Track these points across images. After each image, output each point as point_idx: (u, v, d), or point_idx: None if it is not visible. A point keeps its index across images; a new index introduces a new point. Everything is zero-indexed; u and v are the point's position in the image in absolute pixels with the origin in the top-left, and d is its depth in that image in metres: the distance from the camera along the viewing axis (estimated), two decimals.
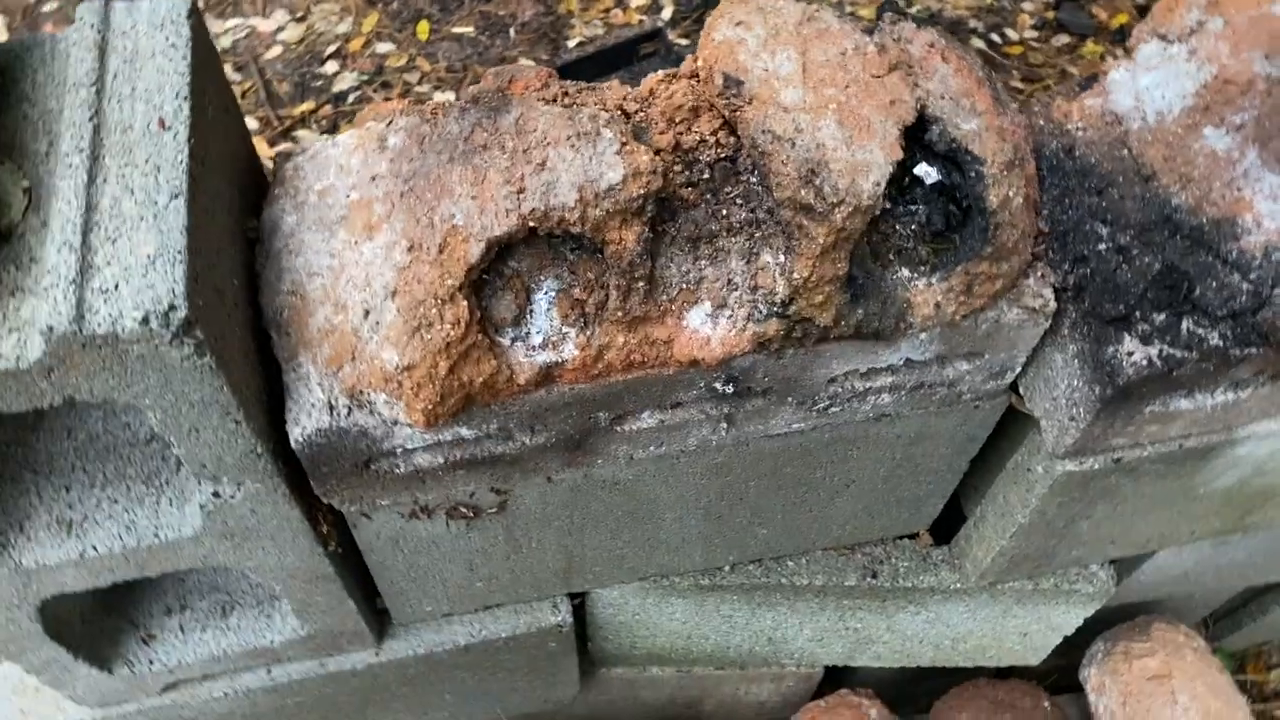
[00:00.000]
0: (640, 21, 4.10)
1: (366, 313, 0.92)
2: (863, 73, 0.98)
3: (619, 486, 1.20)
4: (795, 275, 0.96)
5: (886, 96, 0.97)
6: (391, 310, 0.91)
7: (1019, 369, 1.16)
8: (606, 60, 3.75)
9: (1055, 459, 1.19)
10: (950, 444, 1.29)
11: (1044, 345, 1.13)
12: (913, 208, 1.00)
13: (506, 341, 0.95)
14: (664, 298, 0.97)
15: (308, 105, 3.70)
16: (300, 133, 3.64)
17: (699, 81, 1.01)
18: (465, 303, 0.90)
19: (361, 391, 0.93)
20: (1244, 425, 1.19)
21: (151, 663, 1.30)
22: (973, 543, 1.45)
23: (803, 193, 0.92)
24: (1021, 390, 1.20)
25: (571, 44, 3.96)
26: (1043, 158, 1.09)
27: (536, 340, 0.96)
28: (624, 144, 0.91)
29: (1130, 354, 1.03)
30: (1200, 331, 1.01)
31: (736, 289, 0.98)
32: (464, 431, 1.01)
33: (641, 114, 1.03)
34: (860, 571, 1.51)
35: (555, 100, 1.01)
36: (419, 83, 3.79)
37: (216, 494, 1.00)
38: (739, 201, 1.00)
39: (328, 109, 3.70)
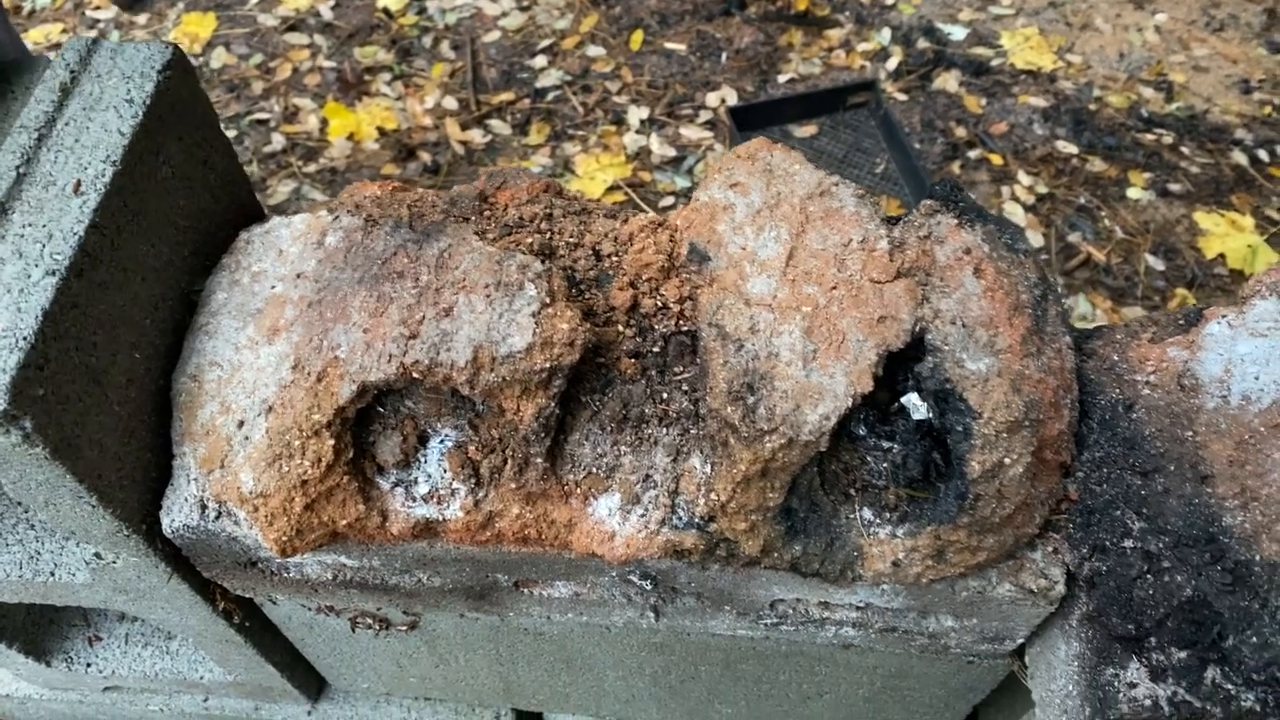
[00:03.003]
0: (862, 68, 3.90)
1: (241, 423, 0.84)
2: (861, 273, 0.81)
3: (545, 638, 1.08)
4: (715, 495, 0.81)
5: (878, 310, 0.79)
6: (261, 429, 0.83)
7: (1020, 641, 0.95)
8: (812, 103, 3.57)
9: None
10: (943, 687, 1.09)
11: (1051, 624, 0.92)
12: (888, 444, 0.83)
13: (386, 485, 0.86)
14: (570, 477, 0.85)
15: (508, 95, 3.74)
16: (493, 122, 3.68)
17: (677, 242, 0.87)
18: (331, 441, 0.81)
19: (226, 500, 0.86)
20: None
21: (89, 665, 1.31)
22: None
23: (729, 409, 0.77)
24: (1027, 660, 0.99)
25: (782, 79, 3.81)
26: (1095, 407, 0.87)
27: (422, 490, 0.86)
28: (545, 305, 0.79)
29: (1132, 685, 0.81)
30: (1230, 688, 0.78)
31: (654, 487, 0.84)
32: (345, 560, 0.93)
33: (615, 258, 0.90)
34: None
35: (519, 226, 0.90)
36: (618, 93, 3.75)
37: (98, 555, 0.96)
38: (684, 388, 0.85)
39: (525, 103, 3.73)
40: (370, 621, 1.08)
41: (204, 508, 0.88)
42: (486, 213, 0.93)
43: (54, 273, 0.78)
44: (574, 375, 0.83)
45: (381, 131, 3.71)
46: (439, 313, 0.80)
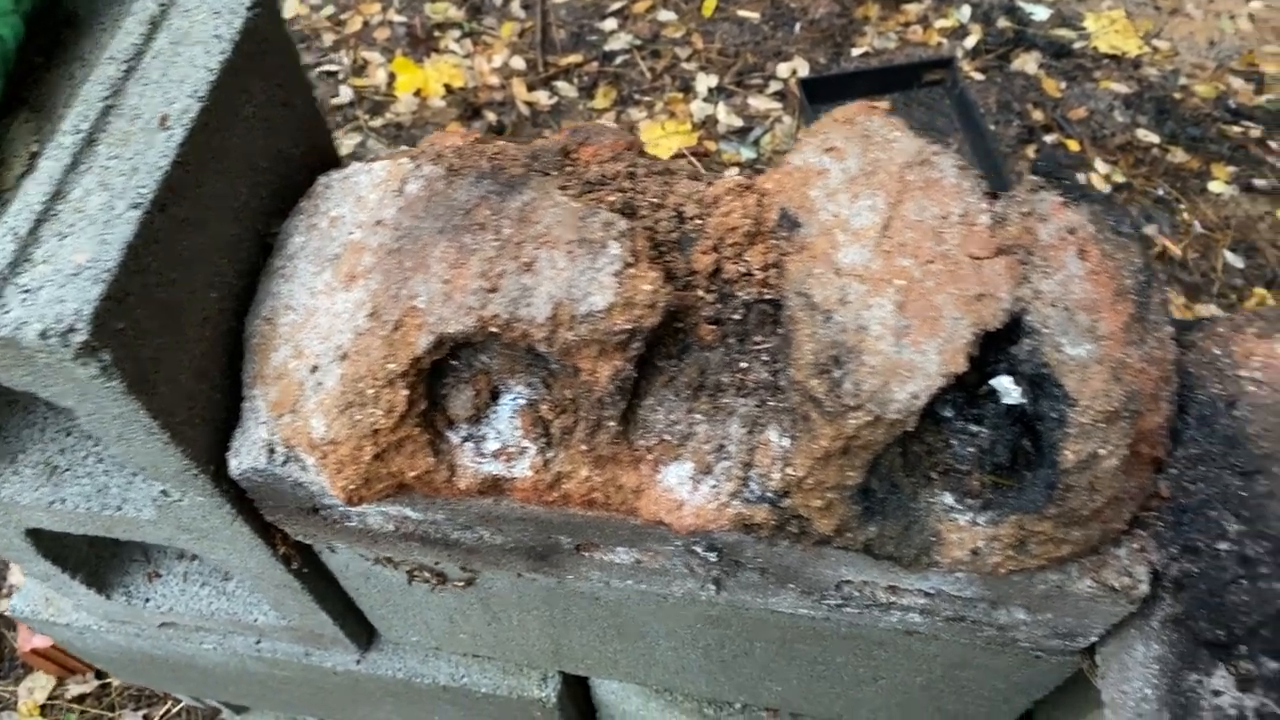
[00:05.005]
0: (939, 44, 3.80)
1: (314, 368, 0.84)
2: (960, 248, 0.78)
3: (600, 603, 1.07)
4: (791, 470, 0.78)
5: (976, 287, 0.76)
6: (335, 375, 0.82)
7: (1093, 639, 0.92)
8: (886, 78, 3.49)
9: None
10: (1005, 681, 1.06)
11: (1129, 624, 0.88)
12: (975, 428, 0.79)
13: (456, 439, 0.84)
14: (641, 443, 0.83)
15: (576, 57, 3.71)
16: (559, 84, 3.65)
17: (765, 206, 0.84)
18: (405, 392, 0.80)
19: (295, 446, 0.86)
20: None
21: (148, 600, 1.32)
22: None
23: (813, 382, 0.74)
24: (1098, 659, 0.96)
25: (856, 52, 3.73)
26: (1193, 402, 0.84)
27: (491, 446, 0.84)
28: (628, 265, 0.77)
29: (1216, 693, 0.78)
30: None
31: (728, 458, 0.82)
32: (409, 512, 0.92)
33: (699, 221, 0.87)
34: None
35: (601, 183, 0.88)
36: (687, 59, 3.70)
37: (165, 493, 0.96)
38: (765, 358, 0.83)
39: (593, 66, 3.69)
40: (427, 575, 1.07)
41: (272, 452, 0.88)
42: (568, 168, 0.91)
43: (138, 206, 0.78)
44: (652, 339, 0.81)
45: (448, 89, 3.70)
46: (520, 267, 0.78)
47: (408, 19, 3.84)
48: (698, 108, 3.56)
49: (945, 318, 0.75)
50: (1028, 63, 3.69)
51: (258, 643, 1.39)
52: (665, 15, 3.78)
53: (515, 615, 1.16)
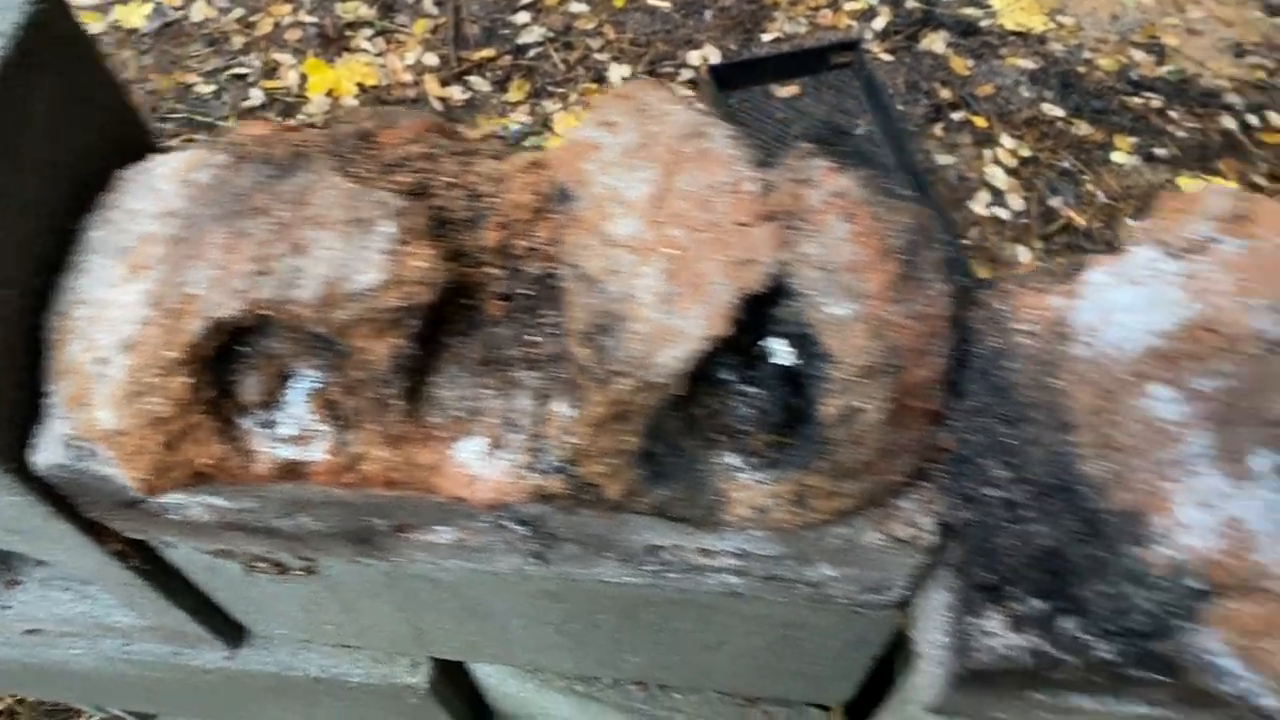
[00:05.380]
0: (849, 27, 3.83)
1: (103, 360, 0.84)
2: (728, 216, 0.80)
3: (440, 585, 1.08)
4: (573, 439, 0.80)
5: (741, 253, 0.78)
6: (121, 366, 0.82)
7: (900, 591, 0.95)
8: (795, 62, 3.51)
9: (925, 710, 0.97)
10: (837, 638, 1.09)
11: (929, 575, 0.91)
12: (753, 390, 0.81)
13: (249, 426, 0.85)
14: (432, 420, 0.84)
15: (489, 52, 3.70)
16: (473, 79, 3.65)
17: (548, 182, 0.86)
18: (187, 379, 0.80)
19: (90, 439, 0.86)
20: None
21: (8, 608, 1.31)
22: None
23: (583, 350, 0.76)
24: (912, 612, 0.98)
25: (767, 38, 3.75)
26: (975, 357, 0.86)
27: (286, 431, 0.85)
28: (401, 242, 0.78)
29: (990, 634, 0.80)
30: (1086, 638, 0.77)
31: (519, 431, 0.83)
32: (220, 501, 0.92)
33: (493, 199, 0.89)
34: None
35: (398, 165, 0.88)
36: (600, 50, 3.70)
37: None
38: (552, 330, 0.84)
39: (506, 59, 3.69)
40: (265, 565, 1.08)
41: (72, 446, 0.88)
42: (368, 151, 0.92)
43: None
44: (437, 317, 0.82)
45: (361, 87, 3.68)
46: (292, 249, 0.79)
47: (319, 19, 3.81)
48: None
49: (710, 284, 0.77)
50: (936, 42, 3.73)
51: (126, 645, 1.38)
52: (577, 7, 3.79)
53: (367, 602, 1.17)
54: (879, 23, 3.77)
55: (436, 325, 0.83)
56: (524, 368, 0.84)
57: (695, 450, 0.83)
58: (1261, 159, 3.44)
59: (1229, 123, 3.52)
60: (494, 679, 1.44)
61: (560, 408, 0.82)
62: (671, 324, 0.75)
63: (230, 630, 1.35)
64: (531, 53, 3.70)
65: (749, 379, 0.82)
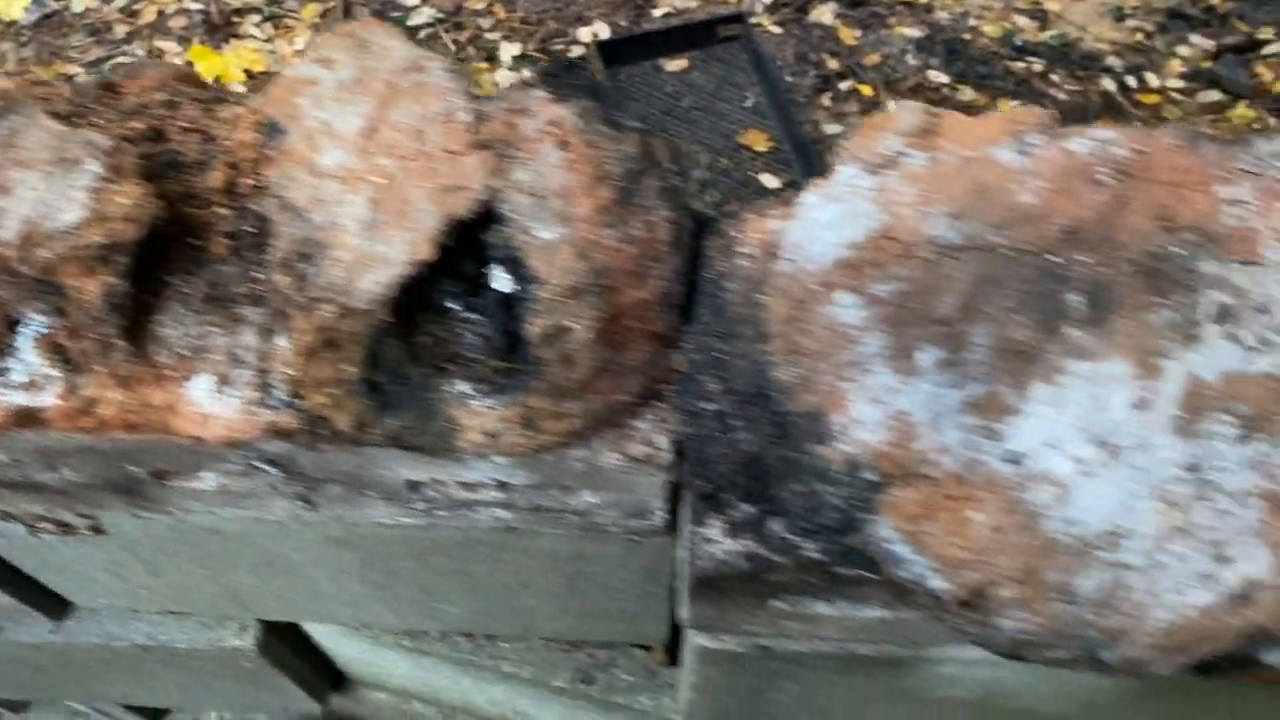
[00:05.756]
0: (739, 0, 3.86)
1: None
2: (440, 145, 0.81)
3: (227, 537, 1.09)
4: (289, 370, 0.81)
5: (450, 180, 0.79)
6: None
7: (662, 515, 0.97)
8: (683, 37, 3.53)
9: (687, 628, 1.00)
10: (628, 570, 1.11)
11: (681, 499, 0.93)
12: (477, 317, 0.83)
13: None
14: (163, 360, 0.85)
15: None
16: None
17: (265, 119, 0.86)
18: None
19: None
20: (934, 647, 0.96)
21: None
22: (676, 687, 1.27)
23: (285, 279, 0.77)
24: (676, 535, 1.01)
25: (657, 13, 3.76)
26: (706, 281, 0.88)
27: (18, 379, 0.85)
28: (106, 181, 0.78)
29: (712, 541, 0.83)
30: (794, 538, 0.80)
31: (245, 367, 0.84)
32: None
33: (227, 141, 0.89)
34: (574, 674, 1.35)
35: (136, 113, 0.89)
36: (490, 29, 3.69)
37: None
38: None
39: None
40: (49, 525, 1.08)
41: None
42: (108, 101, 0.92)
43: None
44: (156, 255, 0.82)
45: (249, 74, 3.63)
46: None
47: (204, 5, 3.76)
48: (504, 76, 3.56)
49: (416, 210, 0.78)
50: (824, 14, 3.78)
51: None
52: None
53: (167, 562, 1.17)
54: None
55: (157, 264, 0.83)
56: (249, 304, 0.85)
57: (424, 378, 0.84)
58: (1138, 118, 3.53)
59: (1109, 84, 3.60)
60: (329, 640, 1.45)
61: (283, 342, 0.83)
62: (374, 250, 0.77)
63: (50, 603, 1.34)
64: (422, 34, 3.67)
65: (474, 306, 0.83)
